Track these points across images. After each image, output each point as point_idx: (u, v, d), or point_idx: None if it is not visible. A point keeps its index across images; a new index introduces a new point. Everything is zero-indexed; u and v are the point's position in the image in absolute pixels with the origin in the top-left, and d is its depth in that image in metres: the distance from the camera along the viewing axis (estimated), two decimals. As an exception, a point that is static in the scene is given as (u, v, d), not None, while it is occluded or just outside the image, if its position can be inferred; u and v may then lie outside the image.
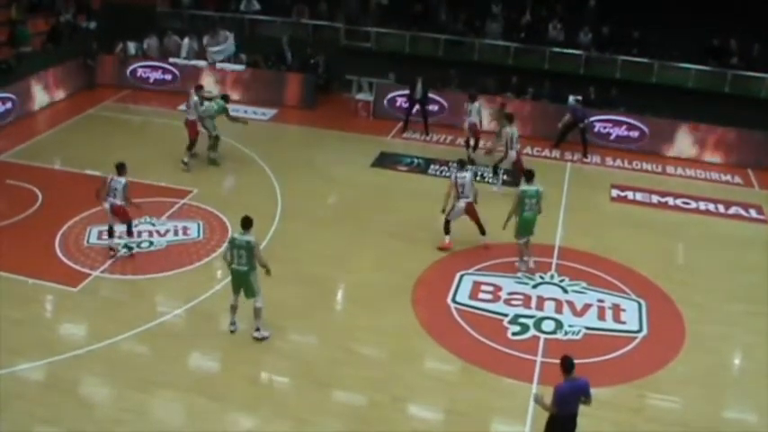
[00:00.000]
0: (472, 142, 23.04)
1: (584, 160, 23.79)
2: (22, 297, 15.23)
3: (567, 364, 10.59)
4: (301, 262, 16.86)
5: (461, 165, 17.85)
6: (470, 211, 17.47)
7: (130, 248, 16.93)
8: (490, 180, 21.47)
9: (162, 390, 12.81)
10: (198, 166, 21.35)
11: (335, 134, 24.69)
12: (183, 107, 22.64)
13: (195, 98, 21.49)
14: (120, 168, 16.43)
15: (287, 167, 21.68)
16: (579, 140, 24.00)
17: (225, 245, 14.69)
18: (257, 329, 14.13)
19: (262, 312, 13.99)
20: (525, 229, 16.47)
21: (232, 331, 14.28)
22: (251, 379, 13.27)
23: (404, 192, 20.89)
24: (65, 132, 24.01)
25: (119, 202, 16.34)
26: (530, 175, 16.57)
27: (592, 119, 24.36)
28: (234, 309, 14.20)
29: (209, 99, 21.99)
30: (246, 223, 13.76)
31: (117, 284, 15.94)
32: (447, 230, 17.56)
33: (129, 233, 16.84)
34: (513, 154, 20.72)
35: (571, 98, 24.35)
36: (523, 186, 16.42)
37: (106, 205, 16.44)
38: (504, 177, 21.24)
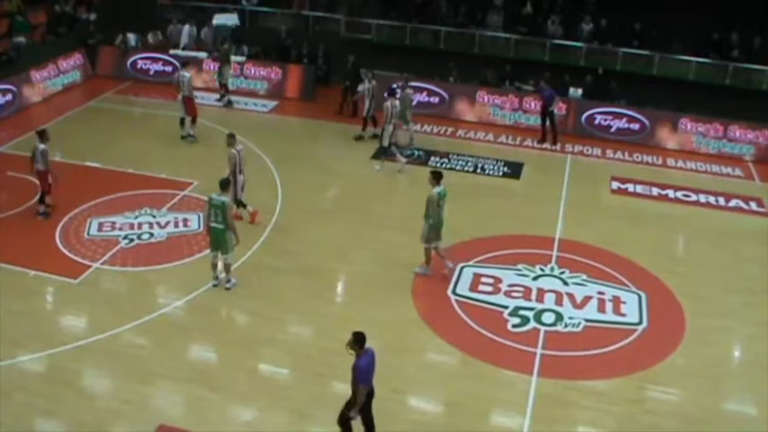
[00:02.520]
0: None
1: (554, 148, 23.81)
2: (23, 289, 15.26)
3: (360, 339, 10.69)
4: (301, 254, 16.87)
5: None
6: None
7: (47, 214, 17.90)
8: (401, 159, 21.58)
9: (162, 381, 12.85)
10: (198, 160, 21.33)
11: (336, 126, 24.64)
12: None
13: (186, 75, 22.34)
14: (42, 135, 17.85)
15: (287, 159, 21.67)
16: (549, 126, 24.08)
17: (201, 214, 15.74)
18: (228, 281, 15.46)
19: (231, 267, 15.49)
20: (439, 231, 15.90)
21: (214, 285, 15.44)
22: (250, 370, 13.30)
23: (404, 184, 20.88)
24: (65, 124, 23.99)
25: (41, 166, 17.67)
26: (438, 177, 15.78)
27: (591, 111, 24.36)
28: (215, 266, 15.45)
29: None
30: (224, 185, 15.23)
31: (117, 276, 15.96)
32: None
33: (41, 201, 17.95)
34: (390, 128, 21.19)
35: (542, 82, 24.29)
36: (437, 189, 15.64)
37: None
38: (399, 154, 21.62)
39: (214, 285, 15.45)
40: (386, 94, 21.51)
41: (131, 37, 28.89)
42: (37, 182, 18.12)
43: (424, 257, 16.13)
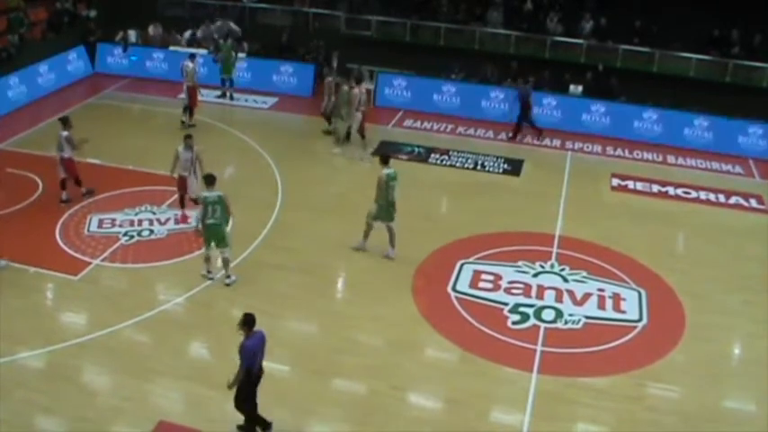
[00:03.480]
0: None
1: (515, 140, 23.96)
2: (23, 285, 15.26)
3: (250, 321, 11.02)
4: (302, 250, 16.87)
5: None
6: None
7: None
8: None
9: (162, 378, 12.85)
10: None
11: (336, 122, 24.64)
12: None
13: (190, 65, 22.77)
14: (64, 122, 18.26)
15: (287, 156, 21.66)
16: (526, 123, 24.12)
17: (195, 214, 15.55)
18: (228, 277, 15.40)
19: (229, 262, 15.43)
20: (388, 213, 16.44)
21: (210, 279, 15.47)
22: (251, 367, 13.29)
23: (404, 181, 20.77)
24: (65, 121, 23.99)
25: (66, 154, 17.95)
26: (386, 159, 16.50)
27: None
28: (208, 259, 15.50)
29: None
30: (211, 180, 15.11)
31: (117, 273, 15.96)
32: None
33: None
34: (359, 115, 21.58)
35: (519, 80, 24.36)
36: (385, 170, 16.25)
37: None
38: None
39: (210, 279, 15.48)
40: (353, 82, 21.77)
41: (132, 33, 28.90)
42: (62, 171, 18.16)
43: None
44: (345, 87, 22.39)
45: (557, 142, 24.03)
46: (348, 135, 22.38)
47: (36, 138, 22.41)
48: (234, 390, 11.14)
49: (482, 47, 26.85)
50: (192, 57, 23.74)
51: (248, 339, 10.97)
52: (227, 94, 26.11)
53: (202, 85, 23.98)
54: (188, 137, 17.70)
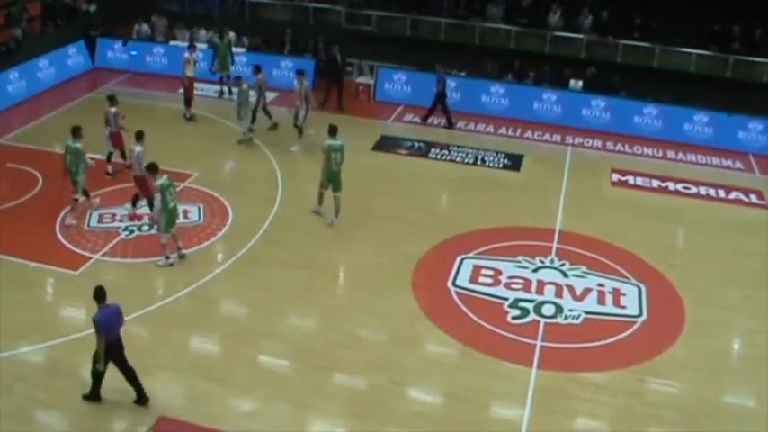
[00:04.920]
0: (302, 112, 22.03)
1: (457, 128, 24.25)
2: (23, 280, 15.27)
3: (99, 295, 11.49)
4: (301, 245, 16.88)
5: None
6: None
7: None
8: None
9: (162, 372, 12.85)
10: (198, 151, 21.33)
11: (336, 118, 24.57)
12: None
13: (190, 55, 23.14)
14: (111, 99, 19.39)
15: (287, 151, 21.64)
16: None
17: (158, 200, 15.55)
18: (168, 257, 15.90)
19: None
20: (332, 180, 17.46)
21: (170, 264, 15.83)
22: (250, 362, 13.32)
23: (404, 175, 20.90)
24: (65, 116, 23.91)
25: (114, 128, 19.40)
26: (333, 131, 17.50)
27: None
28: (166, 246, 15.82)
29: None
30: (154, 168, 15.68)
31: (117, 268, 15.96)
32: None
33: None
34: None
35: (437, 65, 24.43)
36: (329, 141, 17.30)
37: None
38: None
39: (170, 265, 15.83)
40: (298, 76, 21.59)
41: (145, 27, 28.89)
42: (110, 145, 19.46)
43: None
44: (244, 86, 21.74)
45: (557, 137, 24.02)
46: (300, 130, 21.87)
47: (36, 132, 22.42)
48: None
49: (482, 42, 26.82)
50: (191, 48, 23.84)
51: (100, 312, 11.39)
52: (228, 89, 25.95)
53: (200, 80, 23.95)
54: (139, 132, 17.52)
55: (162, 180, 15.41)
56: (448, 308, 15.00)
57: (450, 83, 25.64)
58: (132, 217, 17.59)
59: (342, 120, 24.09)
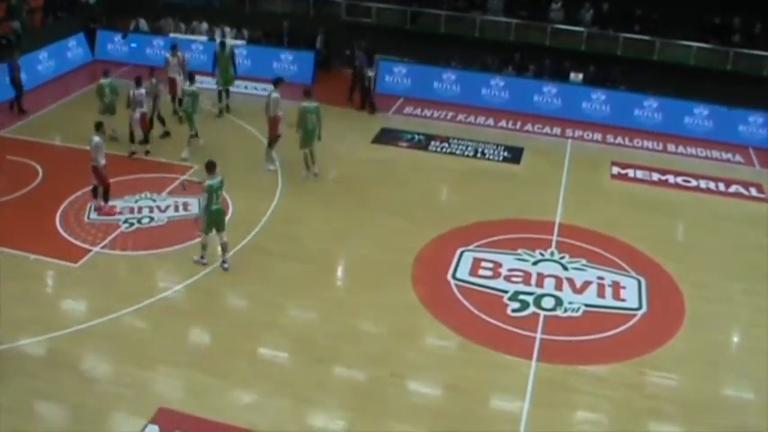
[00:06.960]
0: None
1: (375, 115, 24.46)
2: (23, 273, 15.25)
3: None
4: (301, 238, 16.88)
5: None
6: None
7: None
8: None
9: (162, 365, 12.87)
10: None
11: (336, 110, 24.51)
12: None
13: (171, 57, 22.96)
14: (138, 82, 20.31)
15: (287, 144, 21.58)
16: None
17: (199, 202, 15.84)
18: (225, 261, 15.53)
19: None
20: (307, 141, 19.07)
21: (205, 263, 15.53)
22: (251, 355, 13.31)
23: (404, 168, 20.87)
24: (65, 108, 23.96)
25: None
26: (308, 93, 19.30)
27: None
28: (205, 246, 15.54)
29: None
30: (212, 166, 15.31)
31: (117, 260, 15.96)
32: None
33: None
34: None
35: (356, 50, 24.93)
36: (304, 103, 18.81)
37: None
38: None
39: (204, 264, 15.53)
40: (273, 85, 20.50)
41: (142, 22, 28.81)
42: (135, 124, 20.31)
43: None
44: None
45: (557, 130, 24.00)
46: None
47: (36, 125, 22.39)
48: None
49: (482, 34, 26.77)
50: (174, 48, 23.45)
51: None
52: (227, 106, 24.29)
53: (198, 72, 23.86)
54: (99, 124, 17.52)
55: (213, 180, 15.11)
56: (448, 301, 15.00)
57: (451, 75, 25.69)
58: (99, 209, 17.41)
59: (342, 112, 24.26)
